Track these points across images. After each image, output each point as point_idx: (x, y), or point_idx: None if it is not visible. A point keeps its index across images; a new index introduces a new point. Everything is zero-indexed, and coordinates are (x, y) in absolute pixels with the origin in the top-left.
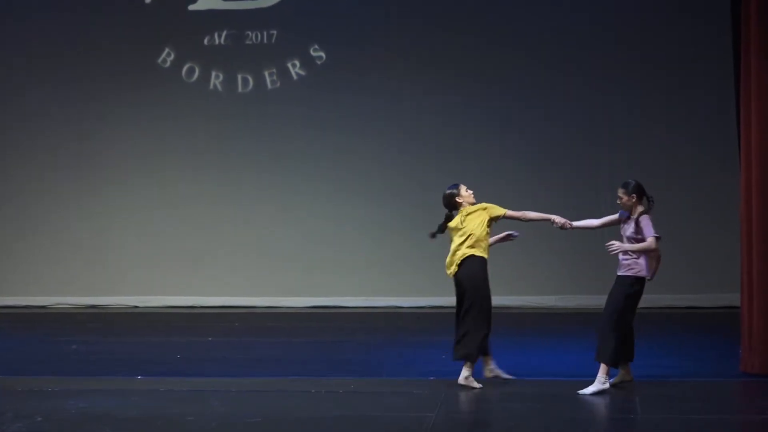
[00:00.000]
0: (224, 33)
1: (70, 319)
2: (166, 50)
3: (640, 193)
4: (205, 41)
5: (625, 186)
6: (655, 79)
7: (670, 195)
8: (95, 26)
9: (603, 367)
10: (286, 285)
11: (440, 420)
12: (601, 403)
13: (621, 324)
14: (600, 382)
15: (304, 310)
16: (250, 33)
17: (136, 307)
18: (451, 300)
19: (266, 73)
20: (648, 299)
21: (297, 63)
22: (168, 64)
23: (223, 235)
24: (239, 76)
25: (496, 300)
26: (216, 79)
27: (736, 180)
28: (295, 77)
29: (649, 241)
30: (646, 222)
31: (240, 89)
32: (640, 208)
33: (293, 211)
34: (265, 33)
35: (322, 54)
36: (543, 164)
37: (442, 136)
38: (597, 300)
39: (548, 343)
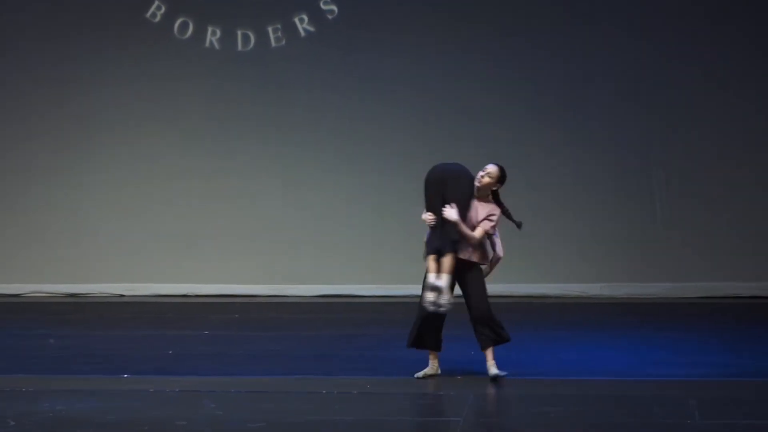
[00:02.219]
0: None
1: (46, 309)
2: (156, 2)
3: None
4: None
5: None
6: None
7: (730, 176)
8: None
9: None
10: (292, 271)
11: (468, 425)
12: (651, 406)
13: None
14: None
15: (313, 299)
16: None
17: (122, 296)
18: None
19: (270, 29)
20: (705, 287)
21: (305, 17)
22: (158, 18)
23: (220, 215)
24: (239, 33)
25: (528, 288)
26: (213, 36)
27: None
28: (302, 34)
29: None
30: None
31: (240, 47)
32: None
33: (300, 187)
34: None
35: (334, 7)
36: (576, 135)
37: (469, 100)
38: (646, 288)
39: (589, 336)
